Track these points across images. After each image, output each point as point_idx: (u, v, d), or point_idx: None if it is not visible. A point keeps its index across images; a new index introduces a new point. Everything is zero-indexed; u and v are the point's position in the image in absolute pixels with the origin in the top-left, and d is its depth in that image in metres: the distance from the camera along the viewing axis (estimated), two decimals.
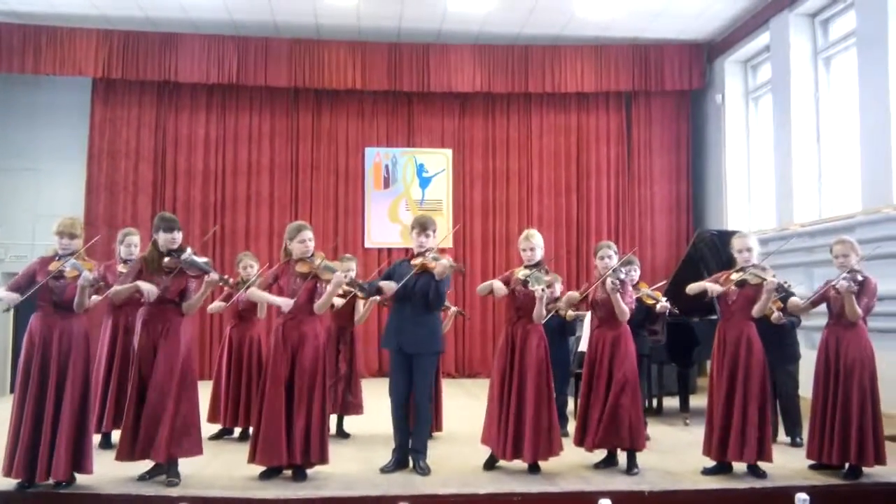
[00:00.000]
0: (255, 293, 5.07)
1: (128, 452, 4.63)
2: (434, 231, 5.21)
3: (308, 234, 4.96)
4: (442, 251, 5.31)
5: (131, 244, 5.87)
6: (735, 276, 5.05)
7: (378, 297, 6.31)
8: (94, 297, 4.94)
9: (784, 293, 5.12)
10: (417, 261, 5.08)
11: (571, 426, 6.58)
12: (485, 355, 11.02)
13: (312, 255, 4.94)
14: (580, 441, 5.17)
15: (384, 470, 5.06)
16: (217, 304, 6.30)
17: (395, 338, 5.13)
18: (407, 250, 5.53)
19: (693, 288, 5.28)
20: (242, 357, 6.16)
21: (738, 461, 4.99)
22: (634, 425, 5.04)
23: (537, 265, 5.13)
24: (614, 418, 5.01)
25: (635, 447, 5.08)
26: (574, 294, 5.47)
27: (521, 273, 5.10)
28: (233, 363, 6.17)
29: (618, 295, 5.03)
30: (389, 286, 5.06)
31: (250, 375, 6.11)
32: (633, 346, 5.22)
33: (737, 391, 4.96)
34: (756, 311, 5.04)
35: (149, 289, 4.62)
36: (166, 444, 4.58)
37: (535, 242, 5.17)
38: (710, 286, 5.17)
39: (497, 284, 5.17)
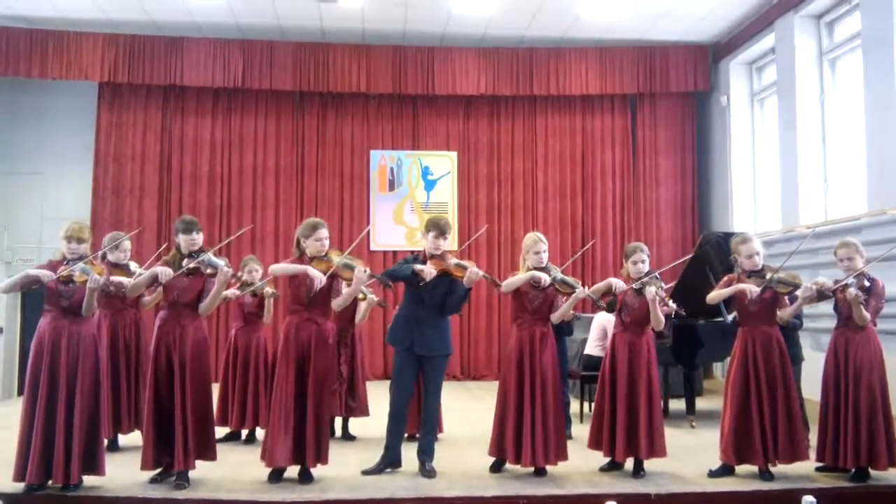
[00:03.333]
0: (284, 267, 4.94)
1: (154, 461, 4.66)
2: (449, 234, 5.15)
3: (324, 232, 4.93)
4: (464, 255, 5.29)
5: (125, 249, 5.80)
6: (755, 284, 4.99)
7: (376, 299, 6.33)
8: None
9: (820, 296, 5.03)
10: (435, 263, 5.03)
11: (574, 428, 6.61)
12: (490, 358, 11.03)
13: (327, 253, 4.94)
14: (609, 451, 5.09)
15: (366, 472, 5.04)
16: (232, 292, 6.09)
17: (407, 337, 5.09)
18: (413, 253, 5.49)
19: (722, 294, 5.15)
20: (249, 359, 6.17)
21: (785, 463, 4.98)
22: (659, 434, 5.04)
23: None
24: (641, 427, 4.98)
25: (659, 455, 5.05)
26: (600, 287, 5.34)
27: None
28: (239, 365, 6.17)
29: (657, 304, 4.99)
30: (430, 271, 4.95)
31: (257, 377, 6.12)
32: (655, 352, 5.19)
33: (778, 394, 4.94)
34: (788, 315, 5.05)
35: (162, 270, 4.63)
36: (191, 452, 4.61)
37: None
38: (749, 288, 4.98)
39: (539, 275, 5.02)
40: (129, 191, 10.79)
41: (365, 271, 4.84)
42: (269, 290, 6.00)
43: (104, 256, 5.72)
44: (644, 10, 9.85)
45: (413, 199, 11.31)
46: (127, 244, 5.83)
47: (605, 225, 11.42)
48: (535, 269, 5.12)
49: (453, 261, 5.06)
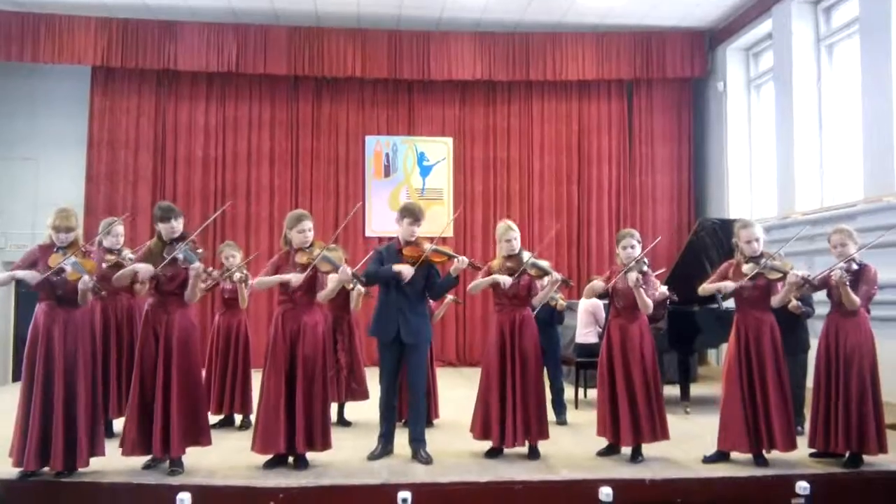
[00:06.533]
0: (263, 281, 4.99)
1: (134, 447, 4.64)
2: (423, 220, 5.16)
3: (308, 224, 4.94)
4: (439, 240, 5.30)
5: (118, 234, 5.82)
6: (748, 270, 5.00)
7: (363, 289, 6.21)
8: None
9: (807, 284, 5.02)
10: (411, 250, 5.05)
11: (569, 414, 6.62)
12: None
13: (312, 244, 4.94)
14: (616, 439, 5.09)
15: (371, 457, 5.07)
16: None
17: (391, 327, 5.09)
18: (388, 240, 5.45)
19: (707, 289, 5.21)
20: (230, 344, 6.20)
21: (779, 451, 4.96)
22: (661, 417, 5.05)
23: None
24: (642, 412, 4.99)
25: (663, 438, 5.06)
26: (598, 284, 5.37)
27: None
28: (219, 350, 6.20)
29: (641, 289, 4.99)
30: (408, 271, 4.99)
31: (236, 362, 6.16)
32: (651, 336, 5.19)
33: (769, 381, 4.93)
34: (776, 302, 5.01)
35: (144, 268, 4.62)
36: (176, 438, 4.58)
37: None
38: (724, 285, 5.07)
39: (501, 279, 5.11)
40: (123, 176, 10.75)
41: (350, 270, 4.89)
42: (237, 274, 5.94)
43: (100, 243, 5.74)
44: None
45: (409, 185, 11.28)
46: (119, 229, 5.82)
47: (601, 211, 11.41)
48: (508, 256, 5.19)
49: (429, 246, 5.08)
